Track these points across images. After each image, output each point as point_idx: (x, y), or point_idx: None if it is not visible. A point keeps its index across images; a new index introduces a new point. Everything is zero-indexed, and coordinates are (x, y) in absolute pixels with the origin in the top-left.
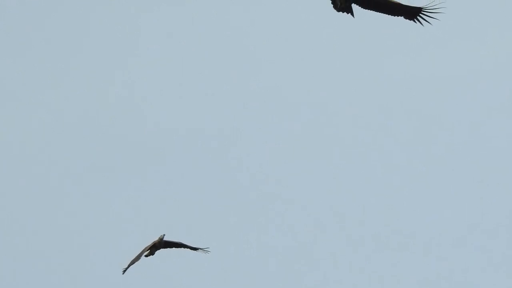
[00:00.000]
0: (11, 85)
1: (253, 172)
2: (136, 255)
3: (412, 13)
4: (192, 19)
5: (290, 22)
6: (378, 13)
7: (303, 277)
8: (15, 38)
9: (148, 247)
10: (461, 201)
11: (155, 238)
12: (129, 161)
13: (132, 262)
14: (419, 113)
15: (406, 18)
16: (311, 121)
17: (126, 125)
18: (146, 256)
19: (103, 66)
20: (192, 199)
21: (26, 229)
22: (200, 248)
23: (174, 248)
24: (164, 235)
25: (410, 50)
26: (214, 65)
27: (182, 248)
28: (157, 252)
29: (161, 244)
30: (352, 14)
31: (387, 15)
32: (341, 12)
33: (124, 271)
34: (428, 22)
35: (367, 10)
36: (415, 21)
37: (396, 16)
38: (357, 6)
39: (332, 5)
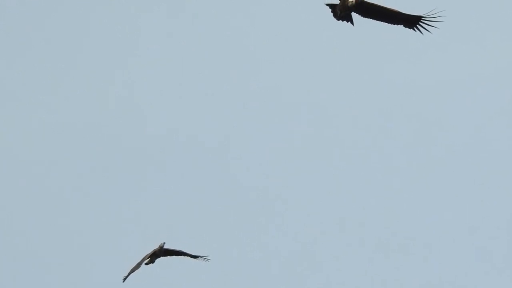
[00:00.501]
0: (11, 86)
1: (254, 176)
2: (137, 263)
3: (412, 22)
4: (192, 19)
5: (290, 28)
6: (378, 21)
7: (305, 283)
8: (15, 39)
9: (148, 255)
10: (462, 204)
11: (155, 246)
12: (129, 164)
13: (133, 270)
14: (419, 117)
15: (405, 27)
16: (311, 124)
17: (126, 127)
18: (146, 264)
19: (103, 67)
20: (192, 204)
21: (26, 232)
22: (200, 256)
23: (174, 256)
24: (164, 243)
25: (409, 55)
26: (214, 66)
27: (182, 256)
28: (157, 260)
29: (161, 252)
30: (352, 23)
31: (386, 23)
32: (341, 21)
33: (125, 279)
34: (428, 30)
35: (366, 18)
36: (414, 30)
37: (395, 25)
38: (357, 14)
39: (332, 14)
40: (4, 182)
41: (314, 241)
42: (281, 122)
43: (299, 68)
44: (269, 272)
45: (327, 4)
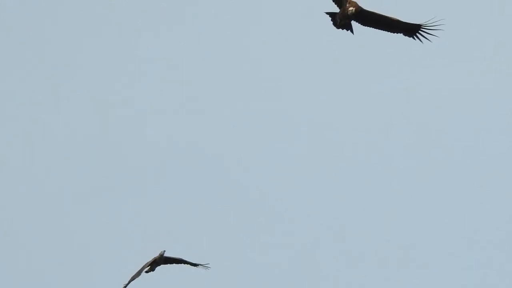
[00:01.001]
0: (10, 94)
1: (254, 183)
2: (137, 271)
3: (412, 30)
4: (193, 28)
5: (291, 37)
6: (377, 30)
7: None
8: (15, 47)
9: (149, 263)
10: (461, 212)
11: (156, 254)
12: (130, 171)
13: (133, 278)
14: (419, 126)
15: (405, 35)
16: (311, 131)
17: (126, 134)
18: (146, 272)
19: (103, 74)
20: (192, 212)
21: (26, 239)
22: (200, 264)
23: (174, 264)
24: (164, 251)
25: (409, 63)
26: (214, 74)
27: (183, 264)
28: (158, 268)
29: (162, 260)
30: (352, 31)
31: (386, 32)
32: (341, 29)
33: (125, 287)
34: (427, 39)
35: (366, 27)
36: (414, 38)
37: (395, 33)
38: (357, 23)
39: (332, 22)
40: (5, 190)
41: (315, 248)
42: (281, 129)
43: (299, 77)
44: (269, 280)
45: (327, 13)
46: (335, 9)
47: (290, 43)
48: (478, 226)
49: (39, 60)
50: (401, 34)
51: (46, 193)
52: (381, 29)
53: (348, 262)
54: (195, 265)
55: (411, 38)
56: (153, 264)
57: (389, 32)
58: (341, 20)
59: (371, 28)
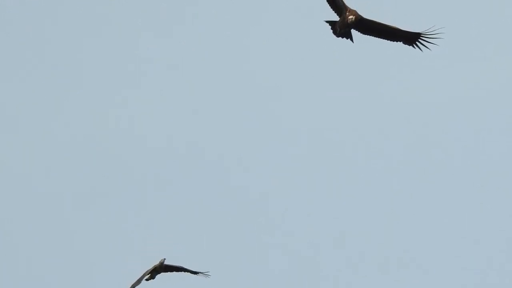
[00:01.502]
0: (11, 104)
1: (255, 190)
2: (137, 279)
3: (411, 38)
4: (193, 37)
5: (290, 46)
6: (377, 38)
7: None
8: (15, 57)
9: (149, 270)
10: (461, 219)
11: (156, 262)
12: (129, 178)
13: (133, 286)
14: (419, 134)
15: (405, 43)
16: (311, 137)
17: (125, 139)
18: (146, 280)
19: (103, 82)
20: (192, 219)
21: (25, 247)
22: (200, 272)
23: (174, 272)
24: (164, 259)
25: (409, 72)
26: (213, 79)
27: (183, 272)
28: (158, 276)
29: (162, 268)
30: (352, 40)
31: (386, 40)
32: (340, 38)
33: None
34: (427, 47)
35: (366, 35)
36: (414, 46)
37: (395, 41)
38: (357, 31)
39: (332, 31)
40: (4, 199)
41: (315, 255)
42: (281, 131)
43: (299, 85)
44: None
45: (327, 21)
46: (335, 17)
47: (290, 46)
48: (478, 227)
49: (37, 60)
50: (401, 42)
51: (46, 196)
52: (381, 38)
53: (348, 264)
54: (195, 273)
55: (411, 46)
56: (153, 272)
57: (389, 41)
58: (341, 29)
59: (371, 36)
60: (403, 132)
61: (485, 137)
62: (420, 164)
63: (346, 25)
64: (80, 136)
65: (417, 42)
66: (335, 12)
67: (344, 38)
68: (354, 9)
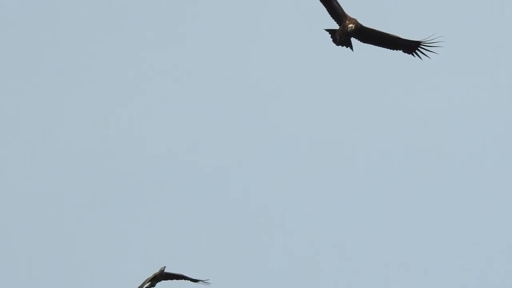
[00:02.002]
0: (12, 111)
1: (254, 199)
2: (137, 287)
3: (411, 47)
4: (192, 43)
5: (290, 54)
6: (377, 46)
7: None
8: (16, 63)
9: (149, 278)
10: (462, 227)
11: (156, 270)
12: (129, 187)
13: None
14: (418, 143)
15: (405, 52)
16: (311, 148)
17: (126, 151)
18: None
19: (104, 91)
20: (193, 227)
21: (26, 255)
22: (200, 280)
23: (175, 280)
24: (165, 267)
25: (409, 80)
26: (214, 90)
27: (183, 280)
28: (158, 284)
29: (162, 276)
30: (352, 48)
31: (386, 48)
32: (340, 46)
33: None
34: (427, 56)
35: (366, 44)
36: (413, 55)
37: (395, 50)
38: (356, 40)
39: (331, 39)
40: (5, 207)
41: (315, 263)
42: (281, 138)
43: (298, 94)
44: None
45: (327, 30)
46: (335, 26)
47: (290, 53)
48: (478, 227)
49: (39, 65)
50: (401, 51)
51: (46, 199)
52: (381, 46)
53: (348, 264)
54: (195, 281)
55: (410, 55)
56: (154, 280)
57: (388, 49)
58: (341, 37)
59: (370, 45)
60: (401, 136)
61: (485, 140)
62: (419, 165)
63: (346, 33)
64: (81, 139)
65: (416, 51)
66: (335, 21)
67: (344, 47)
68: (354, 17)
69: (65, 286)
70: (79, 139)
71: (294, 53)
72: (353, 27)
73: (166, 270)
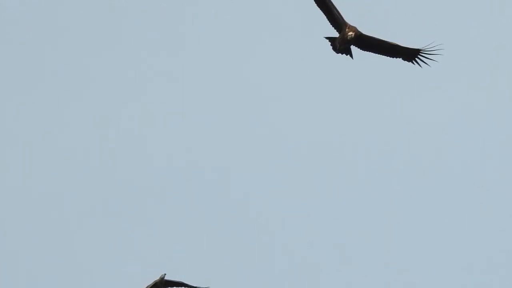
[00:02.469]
0: (12, 119)
1: (255, 207)
2: None
3: (411, 55)
4: (193, 53)
5: (290, 62)
6: (377, 54)
7: None
8: (16, 71)
9: (149, 286)
10: (463, 239)
11: (156, 277)
12: (130, 194)
13: None
14: (419, 153)
15: (404, 60)
16: (311, 155)
17: (127, 157)
18: None
19: (106, 99)
20: (193, 235)
21: (26, 262)
22: (200, 287)
23: (175, 287)
24: (165, 274)
25: (409, 88)
26: (215, 97)
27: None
28: None
29: (162, 283)
30: (351, 56)
31: (385, 56)
32: (340, 54)
33: None
34: (426, 63)
35: (366, 51)
36: (413, 63)
37: (394, 58)
38: (356, 48)
39: (331, 47)
40: (6, 215)
41: (315, 255)
42: (282, 152)
43: (298, 101)
44: None
45: (327, 38)
46: (335, 34)
47: (290, 61)
48: (478, 227)
49: (40, 71)
50: (400, 58)
51: (46, 205)
52: (380, 54)
53: (348, 264)
54: None
55: (410, 62)
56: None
57: (388, 57)
58: (341, 45)
59: (370, 52)
60: (402, 141)
61: (486, 145)
62: (419, 166)
63: (345, 41)
64: (81, 139)
65: (416, 58)
66: (335, 29)
67: (344, 54)
68: (354, 25)
69: None
70: (79, 140)
71: (294, 61)
72: (353, 35)
73: (166, 278)
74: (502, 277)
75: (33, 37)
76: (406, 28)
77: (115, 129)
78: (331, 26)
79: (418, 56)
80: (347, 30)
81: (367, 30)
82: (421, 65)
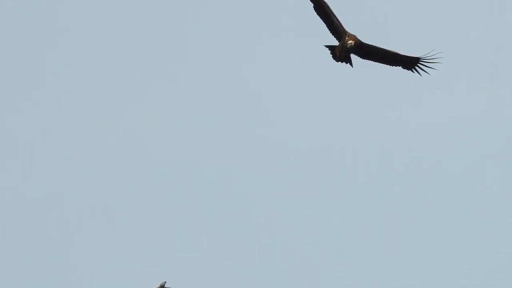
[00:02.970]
0: (12, 123)
1: (256, 213)
2: None
3: (410, 63)
4: (195, 57)
5: (290, 70)
6: (376, 62)
7: None
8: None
9: None
10: (461, 248)
11: (157, 285)
12: (131, 201)
13: None
14: (419, 159)
15: (404, 68)
16: (311, 161)
17: (127, 162)
18: None
19: (107, 103)
20: (193, 238)
21: (25, 269)
22: None
23: None
24: (165, 282)
25: (408, 97)
26: (216, 102)
27: None
28: None
29: None
30: (351, 64)
31: (385, 64)
32: (340, 62)
33: None
34: (426, 72)
35: (365, 60)
36: (413, 71)
37: (394, 66)
38: (356, 56)
39: (331, 55)
40: (6, 216)
41: (315, 255)
42: (282, 153)
43: (298, 102)
44: None
45: (327, 46)
46: (335, 42)
47: (290, 69)
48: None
49: (37, 68)
50: (400, 67)
51: (46, 221)
52: (380, 62)
53: (348, 265)
54: None
55: (410, 71)
56: None
57: (388, 65)
58: (341, 53)
59: (370, 61)
60: (401, 147)
61: (485, 151)
62: (419, 167)
63: (345, 49)
64: (81, 140)
65: (416, 67)
66: (335, 37)
67: (344, 63)
68: (354, 33)
69: None
70: (79, 140)
71: (295, 61)
72: (353, 43)
73: (166, 285)
74: (502, 278)
75: (33, 38)
76: (405, 34)
77: (115, 129)
78: (331, 34)
79: (418, 64)
80: (347, 38)
81: (366, 37)
82: (421, 73)
